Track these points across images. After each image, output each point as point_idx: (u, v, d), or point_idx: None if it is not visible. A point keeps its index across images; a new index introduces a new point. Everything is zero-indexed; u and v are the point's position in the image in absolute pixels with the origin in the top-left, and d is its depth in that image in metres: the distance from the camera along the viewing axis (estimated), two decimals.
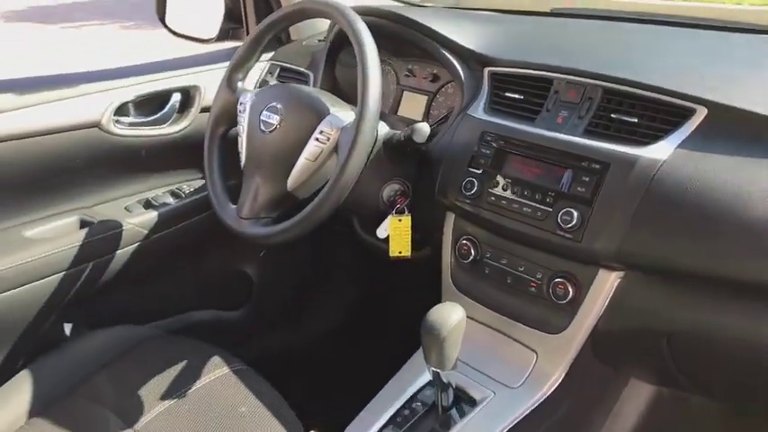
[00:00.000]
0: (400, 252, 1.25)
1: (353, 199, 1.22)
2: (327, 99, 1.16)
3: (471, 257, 1.15)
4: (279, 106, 1.16)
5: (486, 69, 1.20)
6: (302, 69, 1.49)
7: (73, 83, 1.35)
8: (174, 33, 1.63)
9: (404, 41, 1.33)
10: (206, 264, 1.63)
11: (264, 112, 1.17)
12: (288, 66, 1.53)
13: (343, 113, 1.13)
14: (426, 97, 1.37)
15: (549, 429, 1.07)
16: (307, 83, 1.48)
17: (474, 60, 1.23)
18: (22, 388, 1.19)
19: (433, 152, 1.20)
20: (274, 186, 1.16)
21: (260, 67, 1.58)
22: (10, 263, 1.27)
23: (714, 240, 0.89)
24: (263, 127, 1.17)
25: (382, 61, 1.41)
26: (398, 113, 1.43)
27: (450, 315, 0.96)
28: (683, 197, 0.91)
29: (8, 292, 1.28)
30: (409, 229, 1.24)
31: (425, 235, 1.26)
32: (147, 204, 1.48)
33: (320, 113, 1.13)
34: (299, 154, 1.13)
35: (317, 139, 1.12)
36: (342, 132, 1.10)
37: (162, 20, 1.63)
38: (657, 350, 1.01)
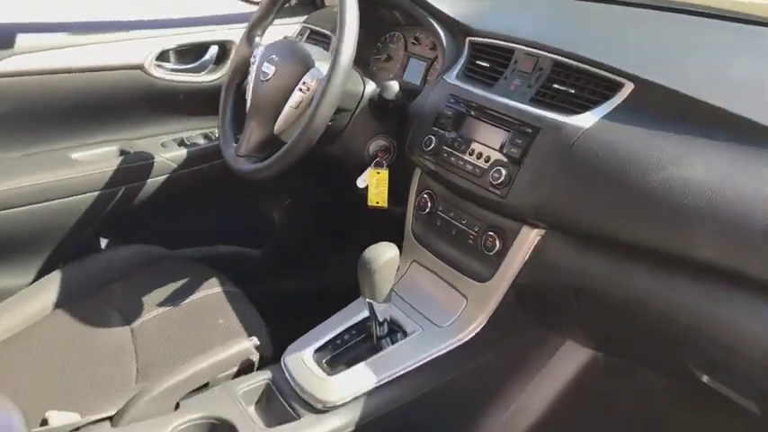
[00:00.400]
0: (377, 202, 1.38)
1: (342, 150, 1.36)
2: (317, 54, 1.29)
3: (427, 210, 1.26)
4: (276, 58, 1.30)
5: (468, 39, 1.30)
6: (326, 32, 1.63)
7: (121, 28, 1.55)
8: None
9: (401, 10, 1.44)
10: (233, 204, 1.80)
11: (265, 64, 1.31)
12: (315, 28, 1.67)
13: (325, 67, 1.26)
14: (425, 63, 1.47)
15: (472, 372, 1.16)
16: (329, 44, 1.61)
17: (458, 30, 1.32)
18: (54, 284, 1.41)
19: (410, 112, 1.31)
20: (265, 130, 1.31)
21: (294, 29, 1.74)
22: (54, 177, 1.50)
23: (620, 207, 0.96)
24: (261, 77, 1.31)
25: (393, 30, 1.53)
26: (403, 78, 1.54)
27: (383, 253, 1.09)
28: (595, 164, 0.98)
29: (53, 202, 1.51)
30: (386, 181, 1.36)
31: (402, 190, 1.38)
32: (181, 143, 1.67)
33: (306, 66, 1.26)
34: (286, 102, 1.27)
35: (300, 89, 1.25)
36: (319, 83, 1.23)
37: None
38: (568, 304, 1.08)
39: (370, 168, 1.36)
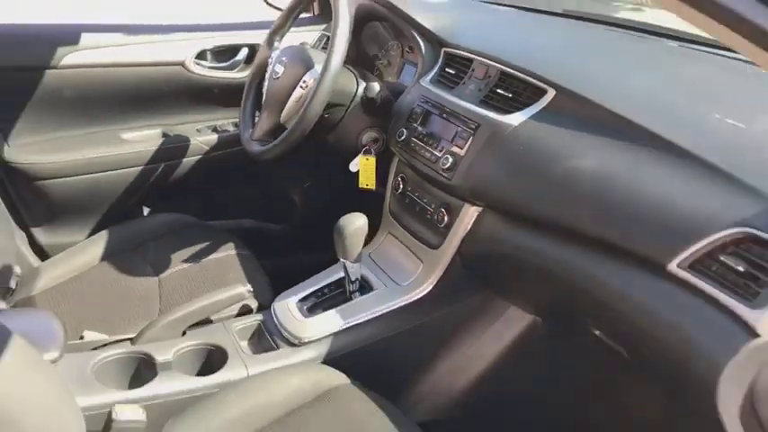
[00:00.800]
0: (367, 184, 1.64)
1: (338, 139, 1.62)
2: (318, 57, 1.55)
3: (400, 190, 1.52)
4: (285, 60, 1.57)
5: (443, 49, 1.54)
6: None
7: (167, 31, 1.86)
8: (270, 4, 2.09)
9: (392, 24, 1.69)
10: (258, 184, 2.09)
11: (277, 65, 1.59)
12: (329, 35, 1.94)
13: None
14: (415, 68, 1.72)
15: (424, 325, 1.41)
16: None
17: (435, 41, 1.57)
18: (102, 241, 1.72)
19: (394, 108, 1.57)
20: (273, 119, 1.59)
21: (316, 36, 2.01)
22: (107, 153, 1.81)
23: (535, 190, 1.19)
24: (273, 75, 1.59)
25: (393, 41, 1.79)
26: (399, 80, 1.79)
27: (353, 222, 1.35)
28: (518, 155, 1.22)
29: (106, 173, 1.83)
30: (374, 167, 1.61)
31: (386, 174, 1.63)
32: (213, 129, 1.97)
33: (307, 67, 1.53)
34: (290, 96, 1.54)
35: (300, 86, 1.52)
36: (315, 81, 1.49)
37: None
38: (504, 271, 1.32)
39: (360, 155, 1.61)
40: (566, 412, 1.45)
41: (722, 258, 0.90)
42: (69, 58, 1.74)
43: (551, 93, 1.24)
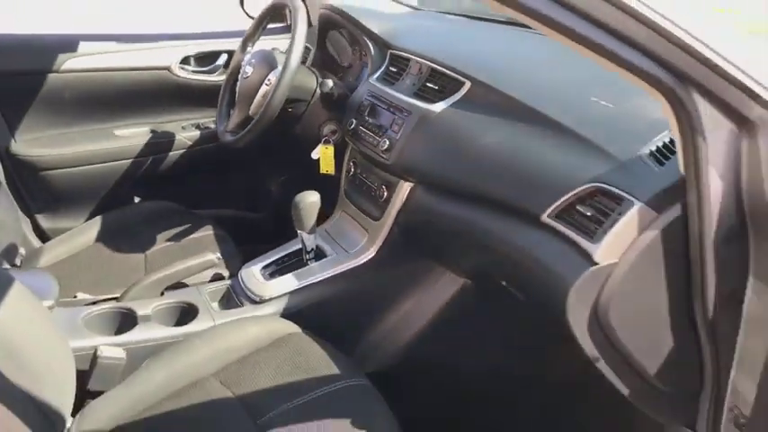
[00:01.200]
0: (327, 170, 1.87)
1: (302, 131, 1.86)
2: (280, 59, 1.79)
3: (352, 173, 1.75)
4: (253, 62, 1.81)
5: (389, 51, 1.78)
6: (308, 45, 2.14)
7: (155, 39, 2.11)
8: (248, 15, 2.34)
9: (347, 30, 1.93)
10: (239, 176, 2.33)
11: (247, 66, 1.83)
12: None
13: None
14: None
15: (369, 286, 1.64)
16: (309, 54, 2.12)
17: (382, 44, 1.80)
18: (97, 225, 1.95)
19: (347, 103, 1.80)
20: (243, 113, 1.82)
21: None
22: (102, 146, 2.06)
23: (454, 166, 1.42)
24: (244, 75, 1.83)
25: (355, 45, 2.03)
26: (360, 78, 2.02)
27: (307, 198, 1.58)
28: (440, 137, 1.45)
29: (100, 165, 2.07)
30: (332, 155, 1.85)
31: (343, 161, 1.86)
32: (197, 126, 2.21)
33: (272, 67, 1.77)
34: (257, 92, 1.78)
35: (265, 84, 1.76)
36: (277, 79, 1.73)
37: (241, 5, 2.35)
38: (432, 237, 1.54)
39: (320, 144, 1.85)
40: (496, 367, 1.66)
41: (578, 208, 1.12)
42: (69, 63, 1.99)
43: (468, 84, 1.47)
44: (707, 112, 0.92)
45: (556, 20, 0.83)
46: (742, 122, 0.93)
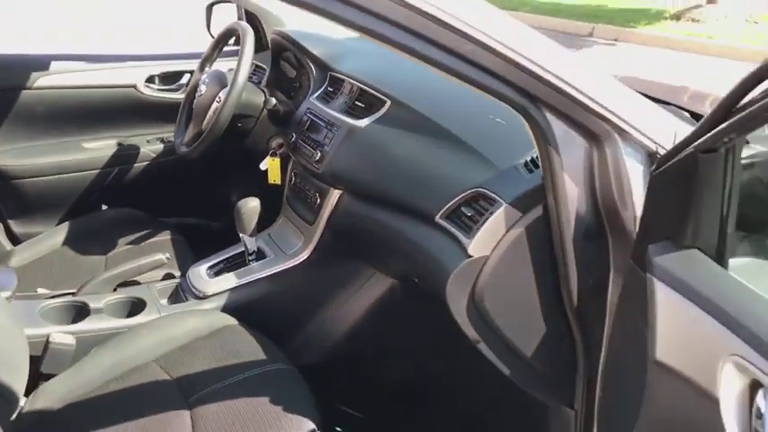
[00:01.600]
0: (274, 180, 2.04)
1: (252, 144, 2.03)
2: (231, 78, 1.96)
3: (293, 182, 1.92)
4: (207, 81, 1.99)
5: (329, 73, 1.96)
6: (262, 65, 2.32)
7: (122, 59, 2.29)
8: (211, 36, 2.52)
9: (292, 53, 2.12)
10: (200, 187, 2.49)
11: (201, 85, 2.00)
12: (257, 63, 2.36)
13: None
14: None
15: (303, 285, 1.80)
16: (264, 74, 2.30)
17: (324, 66, 1.98)
18: (65, 231, 2.11)
19: (291, 119, 1.98)
20: (198, 127, 1.99)
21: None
22: (71, 158, 2.23)
23: (373, 175, 1.60)
24: (198, 94, 2.00)
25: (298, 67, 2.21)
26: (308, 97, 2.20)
27: (248, 204, 1.75)
28: (362, 149, 1.63)
29: (69, 175, 2.24)
30: (278, 166, 2.02)
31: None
32: (161, 140, 2.38)
33: (222, 86, 1.94)
34: (210, 109, 1.95)
35: (216, 101, 1.93)
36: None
37: (208, 29, 2.54)
38: (359, 239, 1.71)
39: (268, 157, 2.02)
40: (422, 368, 1.82)
41: (463, 209, 1.30)
42: (42, 81, 2.17)
43: (388, 103, 1.65)
44: (558, 128, 1.09)
45: (431, 57, 1.00)
46: (590, 136, 1.10)
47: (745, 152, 1.06)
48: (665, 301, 0.90)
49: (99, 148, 2.30)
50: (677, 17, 8.46)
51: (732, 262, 0.92)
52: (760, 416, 0.75)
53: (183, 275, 1.87)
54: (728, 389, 0.79)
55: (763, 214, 1.13)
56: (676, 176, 0.92)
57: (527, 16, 8.81)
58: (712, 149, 0.86)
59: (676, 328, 0.88)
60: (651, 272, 0.92)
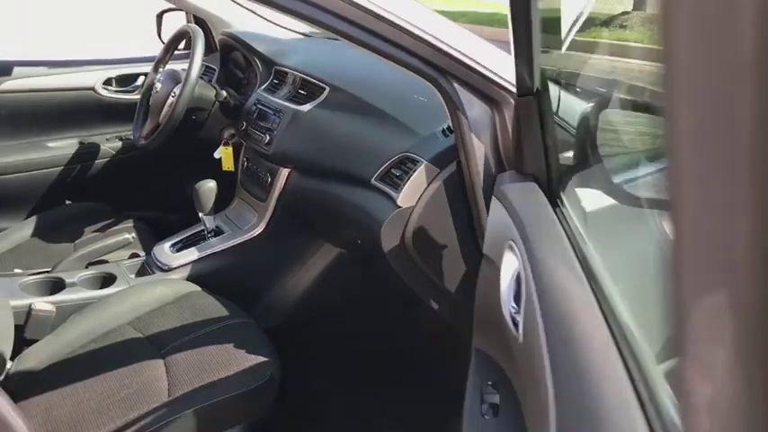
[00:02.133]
0: (228, 167, 2.25)
1: (206, 135, 2.24)
2: (184, 76, 2.17)
3: (246, 166, 2.14)
4: (162, 79, 2.19)
5: (274, 67, 2.18)
6: (212, 65, 2.53)
7: (81, 63, 2.47)
8: (163, 42, 2.71)
9: (240, 52, 2.34)
10: (159, 181, 2.67)
11: (157, 83, 2.20)
12: (207, 63, 2.57)
13: None
14: None
15: (259, 258, 2.01)
16: (214, 73, 2.51)
17: (269, 62, 2.21)
18: (32, 224, 2.27)
19: (242, 111, 2.19)
20: (155, 121, 2.19)
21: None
22: (36, 156, 2.39)
23: (316, 152, 1.82)
24: (154, 91, 2.20)
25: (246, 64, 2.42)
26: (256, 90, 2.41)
27: (205, 184, 1.96)
28: (306, 130, 1.86)
29: (35, 172, 2.40)
30: (231, 154, 2.23)
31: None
32: (119, 138, 2.56)
33: (177, 83, 2.14)
34: (165, 104, 2.15)
35: (171, 96, 2.13)
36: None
37: (159, 36, 2.73)
38: (308, 213, 1.93)
39: (221, 146, 2.23)
40: (367, 317, 2.04)
41: (392, 171, 1.54)
42: (5, 85, 2.34)
43: (327, 89, 1.88)
44: (463, 95, 1.34)
45: (360, 39, 1.24)
46: (489, 101, 1.35)
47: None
48: (493, 210, 1.23)
49: (61, 147, 2.46)
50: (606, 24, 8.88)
51: (579, 191, 1.17)
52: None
53: (148, 254, 2.06)
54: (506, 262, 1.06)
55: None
56: (515, 118, 1.26)
57: (465, 26, 9.12)
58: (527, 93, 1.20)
59: (494, 228, 1.19)
60: (494, 193, 1.24)
